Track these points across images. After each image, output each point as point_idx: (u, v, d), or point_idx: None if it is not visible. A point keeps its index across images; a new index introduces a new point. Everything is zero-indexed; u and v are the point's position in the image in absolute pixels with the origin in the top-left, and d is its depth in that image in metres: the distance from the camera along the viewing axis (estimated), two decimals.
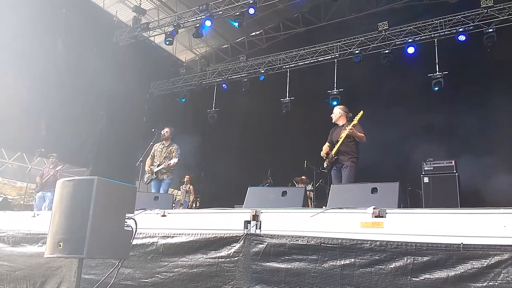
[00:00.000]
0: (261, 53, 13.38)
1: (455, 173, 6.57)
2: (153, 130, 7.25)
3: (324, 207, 3.62)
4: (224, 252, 3.29)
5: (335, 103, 10.89)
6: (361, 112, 5.69)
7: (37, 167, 9.74)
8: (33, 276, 4.17)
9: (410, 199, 7.86)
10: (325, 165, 6.01)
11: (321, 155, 5.99)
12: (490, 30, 9.36)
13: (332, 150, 5.89)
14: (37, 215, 5.07)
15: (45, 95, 9.96)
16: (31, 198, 10.15)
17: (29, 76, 9.60)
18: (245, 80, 12.74)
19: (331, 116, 6.10)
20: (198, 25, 11.00)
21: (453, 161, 6.70)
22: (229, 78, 13.02)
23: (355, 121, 5.68)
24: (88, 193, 2.83)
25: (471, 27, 9.69)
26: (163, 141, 7.20)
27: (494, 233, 2.61)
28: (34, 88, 9.71)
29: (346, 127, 5.73)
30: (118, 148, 11.26)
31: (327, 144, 6.06)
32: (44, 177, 8.96)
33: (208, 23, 10.83)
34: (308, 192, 9.21)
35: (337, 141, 5.79)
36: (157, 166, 6.95)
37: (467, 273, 2.50)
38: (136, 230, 3.09)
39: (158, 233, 3.66)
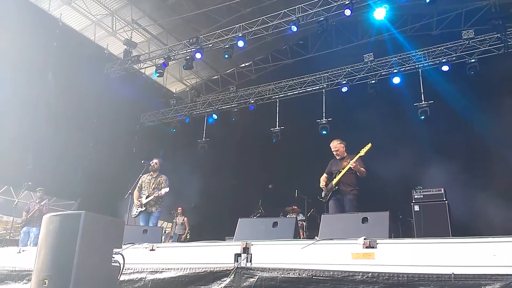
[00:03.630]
0: (251, 83, 13.60)
1: (444, 201, 6.57)
2: (142, 161, 7.16)
3: (316, 237, 3.60)
4: (214, 287, 3.22)
5: (324, 132, 11.04)
6: (369, 145, 5.67)
7: (24, 201, 9.54)
8: None
9: (402, 227, 7.82)
10: (323, 194, 5.99)
11: (321, 186, 5.98)
12: (473, 60, 9.67)
13: (330, 181, 5.89)
14: (23, 251, 4.95)
15: (33, 127, 9.88)
16: (17, 233, 9.88)
17: (18, 109, 9.54)
18: (235, 110, 12.86)
19: (334, 151, 6.01)
20: (188, 57, 11.19)
21: (442, 189, 6.72)
22: (219, 108, 13.12)
23: (362, 152, 5.66)
24: (74, 228, 2.78)
25: (454, 58, 10.00)
26: (151, 172, 7.13)
27: (484, 262, 2.61)
28: (22, 121, 9.65)
29: (348, 160, 5.74)
30: (107, 180, 11.11)
31: (324, 175, 6.06)
32: (30, 211, 8.78)
33: (198, 55, 11.02)
34: (299, 222, 9.13)
35: (339, 172, 5.79)
36: (146, 198, 6.85)
37: None
38: (123, 266, 3.02)
39: (147, 268, 3.59)
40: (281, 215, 9.60)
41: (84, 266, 2.72)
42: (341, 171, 5.77)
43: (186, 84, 15.53)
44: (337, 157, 6.02)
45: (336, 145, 6.06)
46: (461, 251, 2.75)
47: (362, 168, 5.69)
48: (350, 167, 5.65)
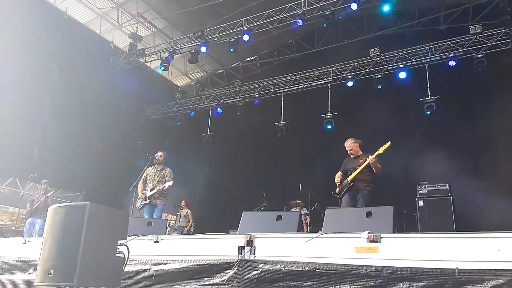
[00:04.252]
0: (256, 78, 13.56)
1: (449, 196, 6.55)
2: (147, 154, 7.19)
3: (319, 231, 3.60)
4: (218, 279, 3.24)
5: (329, 127, 11.01)
6: (388, 143, 5.66)
7: (30, 193, 9.62)
8: None
9: (406, 222, 7.81)
10: (337, 190, 5.99)
11: (336, 181, 5.97)
12: (480, 55, 9.57)
13: (345, 178, 5.88)
14: (28, 241, 5.00)
15: (38, 120, 9.92)
16: (23, 224, 9.98)
17: (23, 101, 9.58)
18: (240, 104, 12.85)
19: (348, 150, 6.01)
20: (193, 51, 11.17)
21: (447, 184, 6.69)
22: (224, 102, 13.12)
23: (381, 150, 5.65)
24: (80, 219, 2.80)
25: (461, 53, 9.90)
26: (156, 165, 7.15)
27: (488, 258, 2.60)
28: (27, 113, 9.69)
29: (364, 158, 5.73)
30: (112, 173, 11.17)
31: (339, 173, 6.05)
32: (35, 203, 8.85)
33: (203, 49, 11.00)
34: (303, 216, 9.14)
35: (355, 169, 5.78)
36: (150, 190, 6.88)
37: None
38: (128, 257, 3.05)
39: (151, 260, 3.61)
40: (284, 209, 9.61)
41: (89, 257, 2.75)
42: (357, 168, 5.76)
43: (191, 77, 15.52)
44: (351, 156, 6.02)
45: (350, 145, 6.05)
46: (465, 246, 2.74)
47: (379, 165, 5.68)
48: (367, 164, 5.63)
